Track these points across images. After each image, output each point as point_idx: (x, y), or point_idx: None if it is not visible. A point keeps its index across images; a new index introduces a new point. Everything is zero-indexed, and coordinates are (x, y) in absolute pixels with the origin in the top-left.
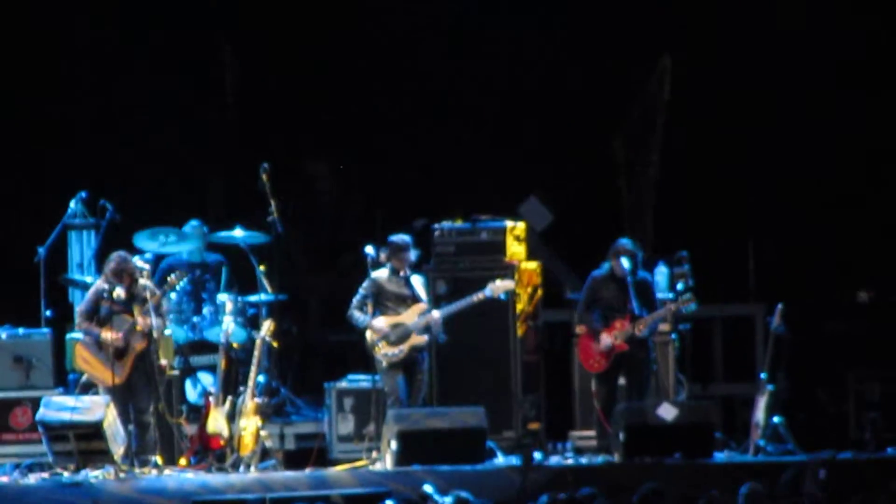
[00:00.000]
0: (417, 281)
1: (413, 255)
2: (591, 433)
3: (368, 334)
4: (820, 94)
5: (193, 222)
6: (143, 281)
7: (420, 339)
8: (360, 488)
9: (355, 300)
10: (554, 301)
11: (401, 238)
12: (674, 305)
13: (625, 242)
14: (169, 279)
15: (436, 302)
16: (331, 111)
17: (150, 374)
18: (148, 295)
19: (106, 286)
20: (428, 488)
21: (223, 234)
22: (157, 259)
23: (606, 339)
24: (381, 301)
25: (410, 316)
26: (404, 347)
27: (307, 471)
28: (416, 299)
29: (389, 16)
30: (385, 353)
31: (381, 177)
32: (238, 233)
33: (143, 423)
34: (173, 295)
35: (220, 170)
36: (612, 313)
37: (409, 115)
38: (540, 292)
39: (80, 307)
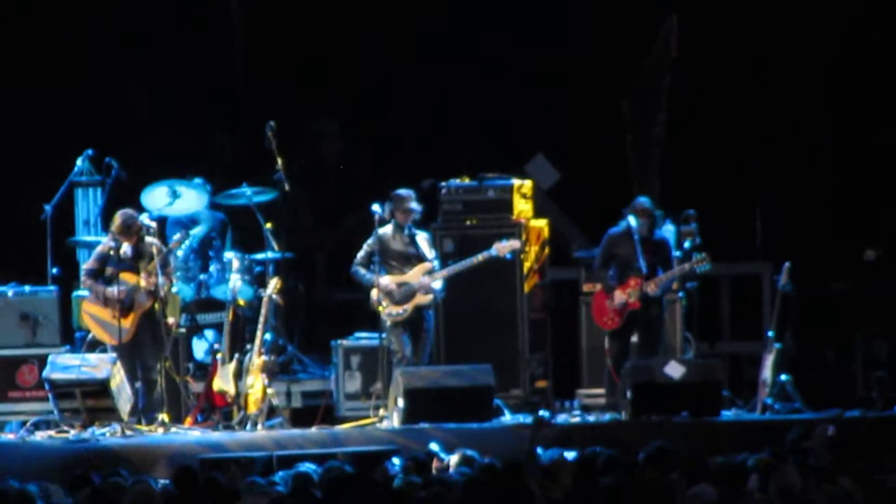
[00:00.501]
0: (423, 239)
1: (417, 207)
2: (599, 391)
3: (373, 292)
4: (826, 51)
5: (197, 180)
6: (149, 238)
7: (425, 299)
8: (368, 446)
9: (359, 256)
10: (561, 259)
11: (404, 190)
12: (688, 265)
13: (641, 201)
14: (174, 238)
15: (443, 260)
16: (338, 69)
17: (156, 331)
18: (154, 252)
19: (112, 244)
20: (434, 446)
21: (231, 191)
22: (164, 218)
23: (620, 297)
24: (386, 259)
25: (415, 275)
26: (408, 307)
27: (314, 428)
28: (420, 258)
29: None
30: (389, 311)
31: (389, 135)
32: (244, 190)
33: (149, 381)
34: (180, 253)
35: (227, 128)
36: (627, 271)
37: (415, 73)
38: (547, 250)
39: (85, 265)
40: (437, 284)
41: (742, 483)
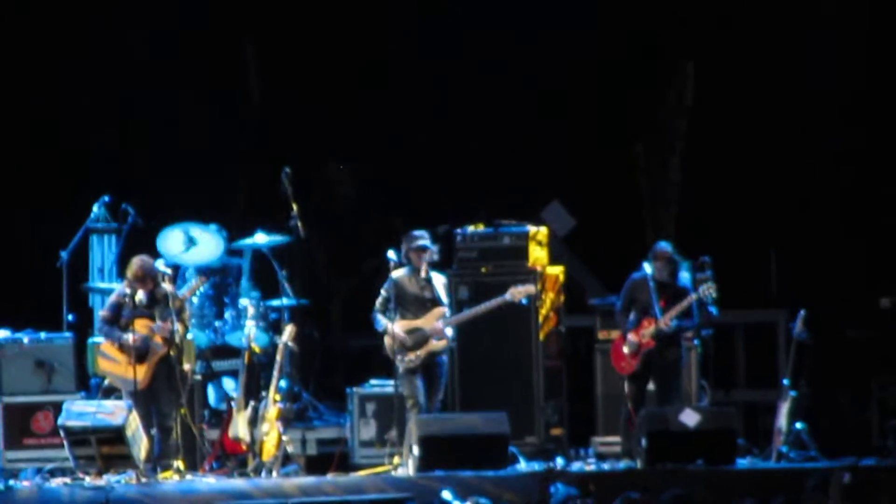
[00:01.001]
0: (440, 281)
1: (430, 245)
2: (614, 439)
3: (386, 340)
4: (845, 98)
5: (213, 227)
6: (165, 285)
7: (438, 345)
8: (383, 493)
9: (378, 302)
10: (576, 306)
11: (418, 232)
12: (695, 294)
13: (661, 246)
14: (191, 283)
15: (458, 307)
16: (353, 115)
17: (172, 378)
18: (170, 299)
19: (128, 290)
20: (447, 494)
21: (246, 240)
22: (179, 264)
23: (633, 339)
24: (401, 303)
25: (429, 321)
26: (421, 353)
27: (329, 476)
28: (436, 302)
29: (412, 20)
30: (402, 358)
31: (404, 182)
32: (260, 237)
33: (165, 428)
34: (195, 299)
35: (243, 174)
36: (646, 315)
37: (432, 119)
38: (562, 297)
39: (102, 311)
40: (450, 331)
41: None
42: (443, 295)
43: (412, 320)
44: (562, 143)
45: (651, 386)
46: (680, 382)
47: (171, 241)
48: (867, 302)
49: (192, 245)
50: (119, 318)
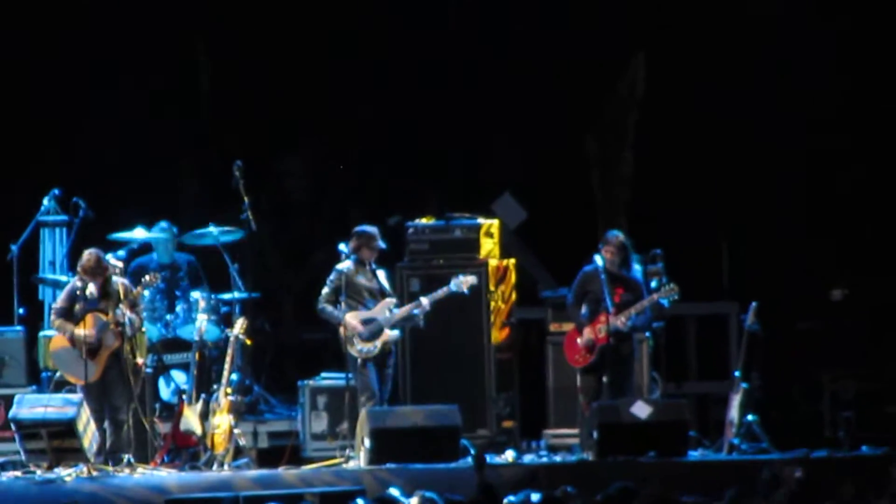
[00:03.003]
0: (383, 275)
1: (383, 245)
2: (566, 431)
3: (342, 330)
4: (792, 89)
5: (162, 223)
6: (116, 278)
7: (391, 335)
8: (333, 486)
9: (324, 293)
10: (528, 299)
11: (369, 227)
12: (656, 295)
13: (612, 234)
14: (144, 279)
15: (409, 298)
16: (304, 107)
17: (124, 372)
18: (122, 293)
19: (79, 284)
20: (394, 491)
21: (197, 231)
22: (130, 257)
23: (588, 334)
24: (351, 294)
25: (381, 311)
26: (378, 343)
27: (281, 469)
28: (384, 293)
29: (363, 10)
30: (360, 348)
31: (355, 174)
32: (211, 230)
33: (117, 422)
34: (146, 293)
35: (193, 167)
36: (599, 308)
37: (382, 111)
38: (514, 289)
39: (54, 305)
40: (426, 303)
41: None
42: (388, 286)
43: (363, 311)
44: (513, 134)
45: (604, 379)
46: (632, 375)
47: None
48: (818, 294)
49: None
50: (72, 312)
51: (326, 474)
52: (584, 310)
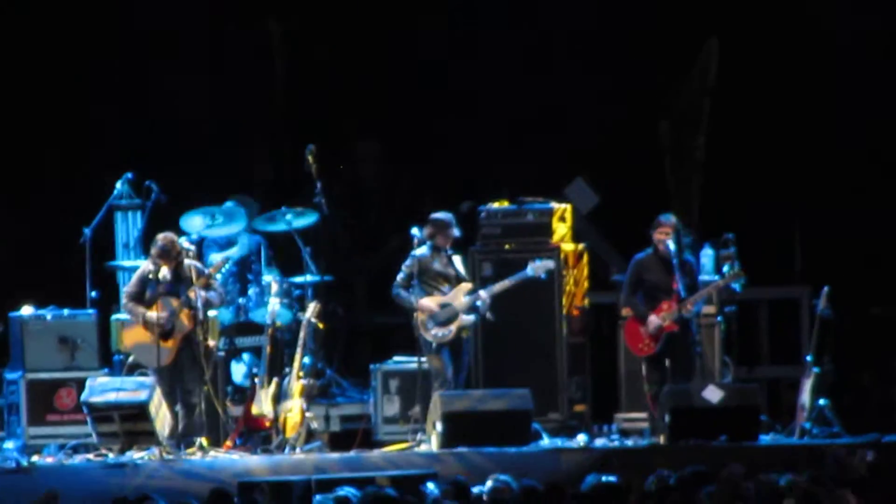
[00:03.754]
0: (458, 261)
1: (458, 233)
2: (637, 415)
3: (416, 315)
4: (869, 73)
5: (233, 203)
6: (188, 262)
7: (467, 320)
8: (406, 469)
9: (399, 279)
10: (600, 283)
11: (444, 214)
12: (722, 281)
13: (664, 219)
14: (215, 262)
15: (481, 283)
16: (379, 92)
17: (196, 355)
18: (194, 276)
19: (152, 267)
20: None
21: (270, 214)
22: (202, 241)
23: (655, 321)
24: (426, 280)
25: (457, 296)
26: (453, 328)
27: (353, 452)
28: (460, 279)
29: None
30: (435, 333)
31: (429, 159)
32: (283, 213)
33: (189, 405)
34: (219, 276)
35: (267, 151)
36: (658, 294)
37: (456, 96)
38: (586, 274)
39: (126, 288)
40: (485, 295)
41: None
42: (463, 271)
43: (439, 296)
44: (586, 119)
45: (667, 363)
46: (696, 360)
47: (195, 220)
48: (891, 279)
49: (214, 222)
50: (143, 295)
51: (398, 458)
52: (638, 298)
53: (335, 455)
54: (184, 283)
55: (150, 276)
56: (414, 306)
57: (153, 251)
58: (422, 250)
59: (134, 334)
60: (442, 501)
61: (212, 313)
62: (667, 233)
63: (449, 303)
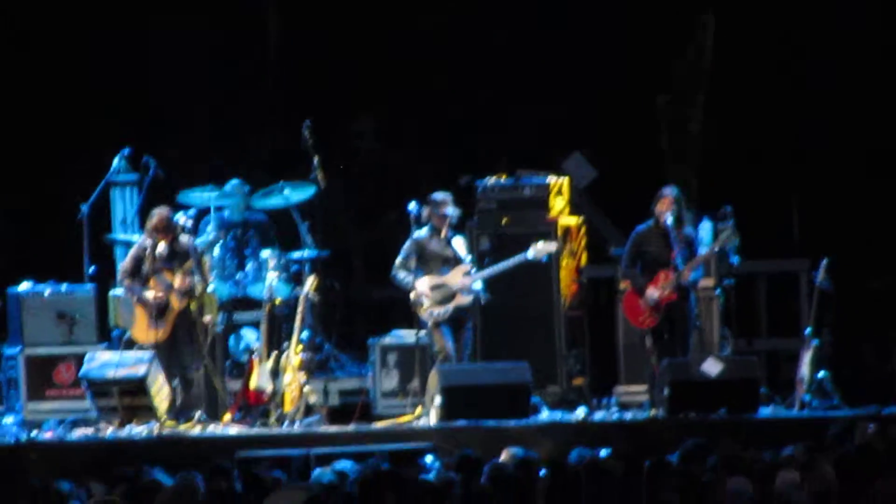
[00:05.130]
0: (459, 242)
1: (454, 212)
2: (636, 388)
3: (413, 294)
4: (865, 46)
5: (234, 181)
6: (185, 237)
7: (465, 299)
8: (404, 443)
9: (398, 260)
10: (597, 256)
11: (440, 194)
12: (717, 245)
13: (667, 191)
14: (210, 238)
15: (479, 259)
16: (375, 67)
17: (192, 331)
18: (190, 252)
19: (148, 242)
20: (429, 458)
21: (268, 189)
22: (199, 216)
23: (653, 293)
24: (424, 262)
25: (454, 277)
26: (450, 307)
27: (351, 426)
28: (458, 260)
29: None
30: (431, 311)
31: (426, 133)
32: (280, 188)
33: (186, 380)
34: (216, 251)
35: (264, 126)
36: (656, 266)
37: (453, 70)
38: (584, 247)
39: (122, 264)
40: (477, 285)
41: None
42: (463, 253)
43: (437, 276)
44: (583, 94)
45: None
46: (693, 331)
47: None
48: (890, 251)
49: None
50: (139, 271)
51: (396, 431)
52: (637, 270)
53: (334, 429)
54: (180, 259)
55: (147, 251)
56: (411, 287)
57: (150, 226)
58: (421, 232)
59: (129, 310)
60: (445, 473)
61: (209, 289)
62: (668, 205)
63: (445, 283)
